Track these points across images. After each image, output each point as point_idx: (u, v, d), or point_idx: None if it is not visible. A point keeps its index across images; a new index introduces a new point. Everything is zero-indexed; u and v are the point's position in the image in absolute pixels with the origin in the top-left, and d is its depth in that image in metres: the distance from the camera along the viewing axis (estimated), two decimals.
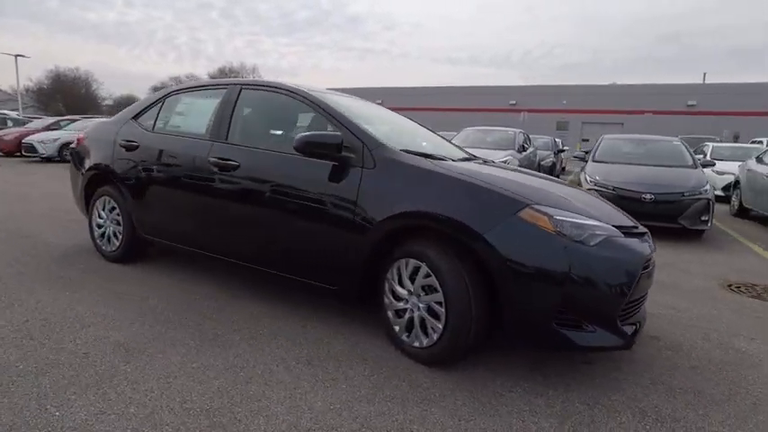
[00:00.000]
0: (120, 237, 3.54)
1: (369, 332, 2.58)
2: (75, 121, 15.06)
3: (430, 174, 2.29)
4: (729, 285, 4.01)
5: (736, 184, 8.21)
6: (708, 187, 5.93)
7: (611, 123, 28.60)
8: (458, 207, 2.12)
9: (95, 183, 3.70)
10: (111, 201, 3.56)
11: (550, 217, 2.03)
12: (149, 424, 1.71)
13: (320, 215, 2.48)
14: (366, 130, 2.53)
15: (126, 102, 50.33)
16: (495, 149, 8.62)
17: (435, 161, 2.47)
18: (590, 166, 6.99)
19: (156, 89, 55.03)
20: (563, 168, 15.57)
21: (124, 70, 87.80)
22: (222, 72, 53.02)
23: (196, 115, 3.33)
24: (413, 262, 2.25)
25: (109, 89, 57.93)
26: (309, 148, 2.42)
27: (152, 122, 3.45)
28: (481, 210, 2.09)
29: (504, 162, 7.12)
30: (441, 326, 2.13)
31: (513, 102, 31.80)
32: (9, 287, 3.01)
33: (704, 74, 32.89)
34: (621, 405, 2.00)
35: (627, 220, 2.44)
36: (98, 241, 3.73)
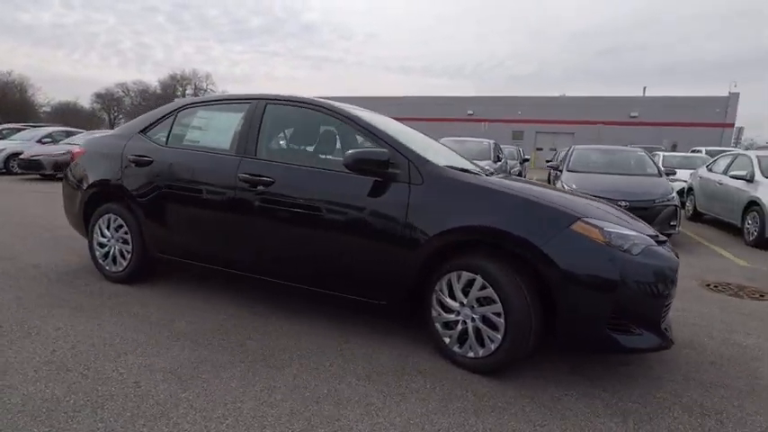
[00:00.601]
0: (129, 256, 3.37)
1: (411, 344, 2.62)
2: (19, 130, 13.98)
3: (481, 189, 2.39)
4: (708, 285, 4.39)
5: (690, 190, 8.96)
6: (674, 195, 6.44)
7: (562, 133, 30.24)
8: (514, 221, 2.22)
9: (97, 200, 3.51)
10: (118, 219, 3.38)
11: (601, 229, 2.18)
12: None
13: (366, 231, 2.51)
14: (410, 146, 2.59)
15: (66, 109, 47.19)
16: (473, 159, 8.90)
17: (478, 176, 2.57)
18: (565, 174, 7.38)
19: (99, 96, 52.08)
20: (524, 176, 16.30)
21: (64, 75, 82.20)
22: (173, 79, 51.07)
23: (216, 130, 3.25)
24: (466, 275, 2.32)
25: (48, 95, 54.05)
26: (359, 164, 2.45)
27: (165, 137, 3.33)
28: (537, 223, 2.21)
29: None
30: (500, 336, 2.22)
31: (471, 112, 32.88)
32: (16, 314, 2.78)
33: (644, 87, 35.70)
34: (668, 401, 2.17)
35: (650, 230, 2.65)
36: (100, 261, 3.52)
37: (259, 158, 2.89)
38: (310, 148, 3.05)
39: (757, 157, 7.08)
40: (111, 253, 3.45)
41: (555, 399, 2.14)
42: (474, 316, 2.32)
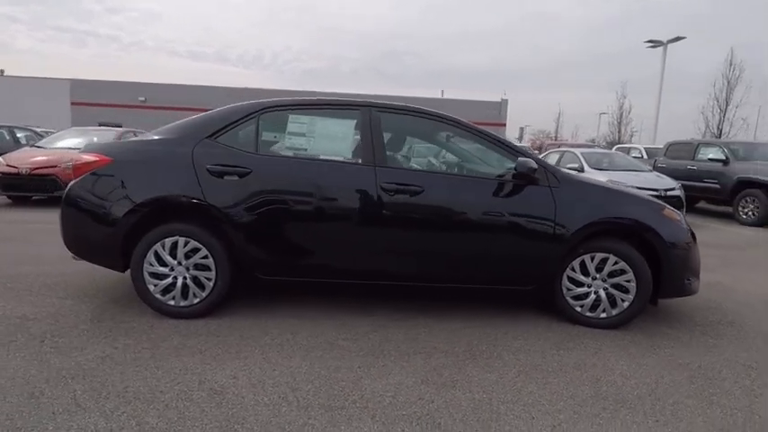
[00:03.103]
0: (212, 283, 2.86)
1: (541, 320, 3.14)
2: None
3: (603, 189, 3.09)
4: None
5: None
6: None
7: None
8: (638, 211, 3.01)
9: (150, 221, 2.82)
10: (190, 241, 2.82)
11: (678, 213, 3.16)
12: None
13: (523, 230, 2.92)
14: (536, 154, 3.09)
15: None
16: None
17: (590, 177, 3.25)
18: None
19: None
20: None
21: None
22: None
23: (323, 137, 3.01)
24: (599, 255, 2.99)
25: None
26: (528, 171, 2.83)
27: (251, 143, 2.92)
28: (649, 212, 3.04)
29: None
30: (631, 296, 2.98)
31: None
32: (146, 376, 2.17)
33: (442, 90, 41.92)
34: (729, 323, 3.25)
35: None
36: (158, 296, 2.84)
37: (394, 167, 2.92)
38: (437, 157, 3.20)
39: (581, 153, 9.77)
40: (177, 284, 2.84)
41: (667, 336, 3.02)
42: (606, 286, 3.02)
